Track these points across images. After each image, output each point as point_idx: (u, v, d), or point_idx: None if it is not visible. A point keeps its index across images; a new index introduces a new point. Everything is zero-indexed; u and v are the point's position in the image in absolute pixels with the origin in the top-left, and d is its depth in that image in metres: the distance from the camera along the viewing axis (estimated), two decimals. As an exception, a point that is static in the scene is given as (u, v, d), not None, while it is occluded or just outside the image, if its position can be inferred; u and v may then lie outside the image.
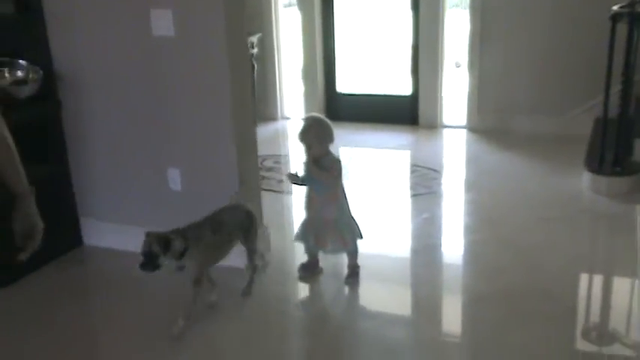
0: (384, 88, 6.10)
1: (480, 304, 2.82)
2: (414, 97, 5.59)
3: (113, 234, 3.35)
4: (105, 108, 3.23)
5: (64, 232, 3.38)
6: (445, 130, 5.51)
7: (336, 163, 2.95)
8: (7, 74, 3.15)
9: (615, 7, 3.73)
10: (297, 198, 3.80)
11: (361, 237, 3.02)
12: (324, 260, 3.13)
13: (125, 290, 3.00)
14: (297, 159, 4.76)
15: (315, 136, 2.87)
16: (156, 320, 2.75)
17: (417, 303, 2.98)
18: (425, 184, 4.28)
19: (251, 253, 2.89)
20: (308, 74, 5.96)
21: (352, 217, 3.02)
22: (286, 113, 6.15)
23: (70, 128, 3.30)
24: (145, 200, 3.28)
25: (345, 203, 3.01)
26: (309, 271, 3.10)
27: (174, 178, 3.16)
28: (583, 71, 4.85)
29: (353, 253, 3.05)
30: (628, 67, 3.72)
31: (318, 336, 2.72)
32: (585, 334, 2.67)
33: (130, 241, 2.67)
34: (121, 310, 2.88)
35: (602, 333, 2.68)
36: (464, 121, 5.47)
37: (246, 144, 3.11)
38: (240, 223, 2.80)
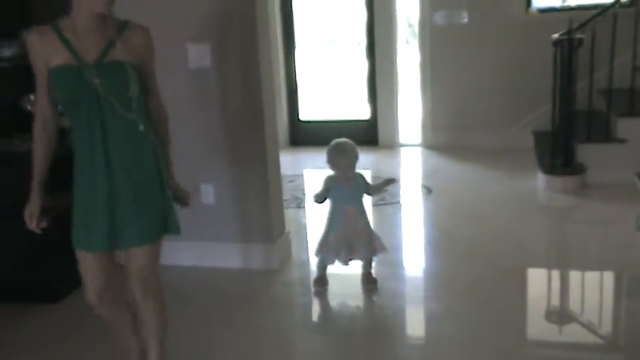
0: (344, 114, 6.66)
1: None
2: (373, 121, 6.19)
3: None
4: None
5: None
6: (403, 149, 6.13)
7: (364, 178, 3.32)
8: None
9: (556, 35, 4.46)
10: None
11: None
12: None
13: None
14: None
15: (355, 156, 3.23)
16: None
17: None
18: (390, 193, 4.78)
19: None
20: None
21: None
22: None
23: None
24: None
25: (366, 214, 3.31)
26: (323, 285, 3.33)
27: (208, 193, 3.53)
28: (521, 91, 5.60)
29: (371, 260, 3.31)
30: (570, 84, 4.45)
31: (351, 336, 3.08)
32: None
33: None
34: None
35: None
36: (419, 140, 6.11)
37: (274, 164, 3.57)
38: None
